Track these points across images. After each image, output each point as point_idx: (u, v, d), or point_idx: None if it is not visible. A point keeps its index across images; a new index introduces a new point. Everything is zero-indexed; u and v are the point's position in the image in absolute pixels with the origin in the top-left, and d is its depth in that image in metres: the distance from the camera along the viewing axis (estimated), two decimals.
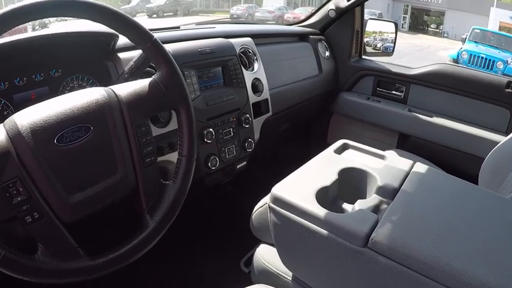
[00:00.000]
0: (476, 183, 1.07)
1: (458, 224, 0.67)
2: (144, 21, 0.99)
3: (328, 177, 0.82)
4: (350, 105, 1.85)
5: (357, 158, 0.94)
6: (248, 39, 1.35)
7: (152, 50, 0.74)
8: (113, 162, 0.67)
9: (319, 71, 1.72)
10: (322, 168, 0.86)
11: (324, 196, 0.78)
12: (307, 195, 0.75)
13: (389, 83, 1.81)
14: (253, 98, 1.28)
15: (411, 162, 0.90)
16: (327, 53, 1.81)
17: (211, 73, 1.17)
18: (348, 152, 0.97)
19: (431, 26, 30.57)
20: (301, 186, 0.78)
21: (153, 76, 0.75)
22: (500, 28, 21.24)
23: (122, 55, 0.97)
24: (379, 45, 2.02)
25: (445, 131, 1.60)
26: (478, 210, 0.72)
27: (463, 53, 9.14)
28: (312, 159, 0.91)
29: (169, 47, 1.05)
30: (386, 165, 0.88)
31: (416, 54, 13.10)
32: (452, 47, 11.31)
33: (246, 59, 1.30)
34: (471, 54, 9.02)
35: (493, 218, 0.70)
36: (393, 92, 1.80)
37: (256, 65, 1.32)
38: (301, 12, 18.92)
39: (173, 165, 0.79)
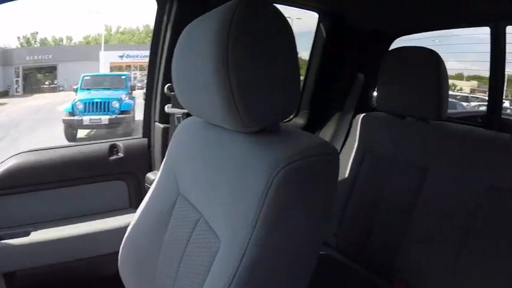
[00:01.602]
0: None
1: None
2: None
3: None
4: None
5: None
6: None
7: None
8: None
9: None
10: None
11: None
12: None
13: None
14: None
15: None
16: None
17: None
18: None
19: (46, 82, 30.42)
20: None
21: None
22: (112, 69, 23.64)
23: None
24: None
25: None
26: None
27: (78, 103, 8.98)
28: None
29: None
30: None
31: (34, 117, 12.35)
32: (70, 99, 11.34)
33: None
34: (85, 103, 8.93)
35: None
36: None
37: None
38: None
39: None
